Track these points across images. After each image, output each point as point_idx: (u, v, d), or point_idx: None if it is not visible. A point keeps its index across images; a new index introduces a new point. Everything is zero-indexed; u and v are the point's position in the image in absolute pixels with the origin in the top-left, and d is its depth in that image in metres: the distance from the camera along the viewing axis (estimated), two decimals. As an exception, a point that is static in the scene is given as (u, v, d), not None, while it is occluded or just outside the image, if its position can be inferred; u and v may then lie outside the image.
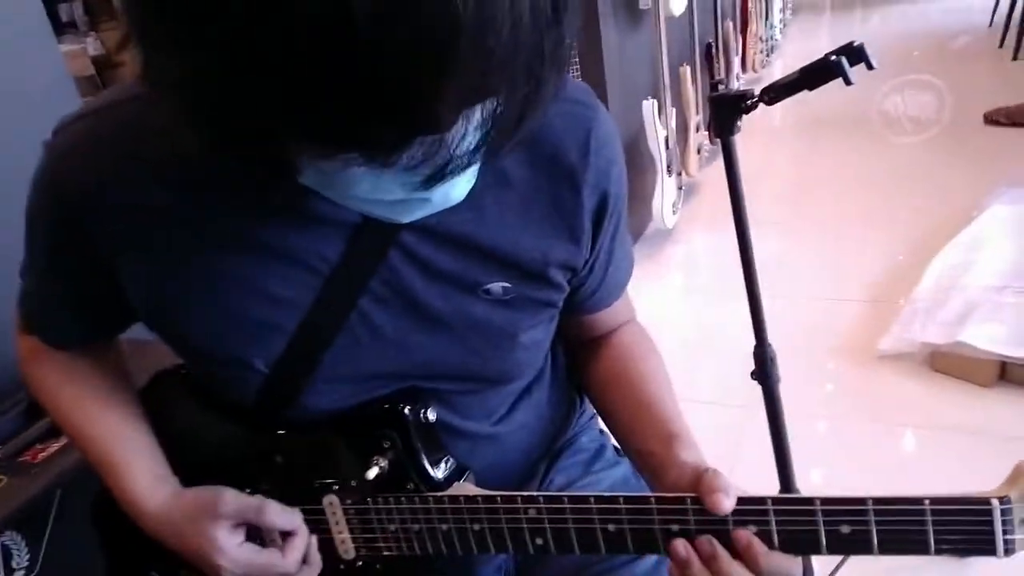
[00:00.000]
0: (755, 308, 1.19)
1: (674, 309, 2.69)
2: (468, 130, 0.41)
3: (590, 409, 0.92)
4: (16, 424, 1.14)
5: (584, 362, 0.84)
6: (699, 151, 3.26)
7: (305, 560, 0.69)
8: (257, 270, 0.60)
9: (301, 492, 0.69)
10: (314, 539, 0.70)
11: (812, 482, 1.72)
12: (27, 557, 0.94)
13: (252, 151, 0.44)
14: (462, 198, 0.52)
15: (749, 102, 1.03)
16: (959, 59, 4.96)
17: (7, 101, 1.28)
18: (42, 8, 1.37)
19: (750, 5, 4.40)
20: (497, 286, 0.65)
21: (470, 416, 0.73)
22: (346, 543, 0.70)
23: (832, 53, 0.96)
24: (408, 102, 0.36)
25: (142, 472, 0.70)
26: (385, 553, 0.69)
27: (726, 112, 1.06)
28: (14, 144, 1.25)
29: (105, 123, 0.59)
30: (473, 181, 0.52)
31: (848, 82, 0.94)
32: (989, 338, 1.92)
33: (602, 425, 0.90)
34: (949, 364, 1.99)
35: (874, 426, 1.92)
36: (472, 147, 0.42)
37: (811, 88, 0.98)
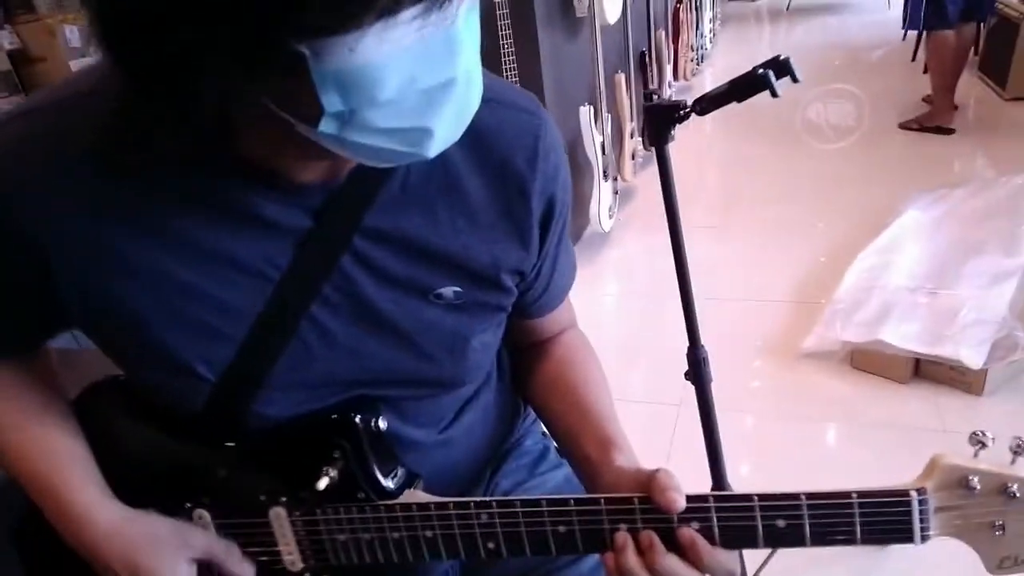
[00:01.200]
0: (688, 311, 1.23)
1: (611, 311, 2.75)
2: None
3: (533, 412, 0.93)
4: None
5: (525, 368, 0.85)
6: (633, 156, 3.34)
7: None
8: (204, 276, 0.60)
9: (245, 506, 0.69)
10: None
11: (741, 475, 1.79)
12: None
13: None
14: (475, 106, 0.51)
15: (682, 112, 1.07)
16: (876, 70, 5.23)
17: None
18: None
19: (682, 15, 4.53)
20: (449, 290, 0.66)
21: (420, 423, 0.73)
22: (293, 555, 0.70)
23: (760, 67, 1.01)
24: None
25: (86, 487, 0.68)
26: (333, 563, 0.69)
27: (660, 122, 1.10)
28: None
29: (41, 123, 0.57)
30: (481, 89, 0.51)
31: (774, 94, 0.99)
32: (904, 336, 2.03)
33: (544, 428, 0.92)
34: (868, 361, 2.11)
35: (798, 421, 2.01)
36: None
37: (740, 100, 1.02)
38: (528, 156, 0.66)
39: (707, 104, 1.04)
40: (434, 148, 0.50)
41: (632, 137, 3.28)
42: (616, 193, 3.12)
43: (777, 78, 1.01)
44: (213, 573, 0.69)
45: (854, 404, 2.03)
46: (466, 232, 0.65)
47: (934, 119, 3.82)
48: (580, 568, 0.80)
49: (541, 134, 0.67)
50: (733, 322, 2.44)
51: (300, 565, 0.70)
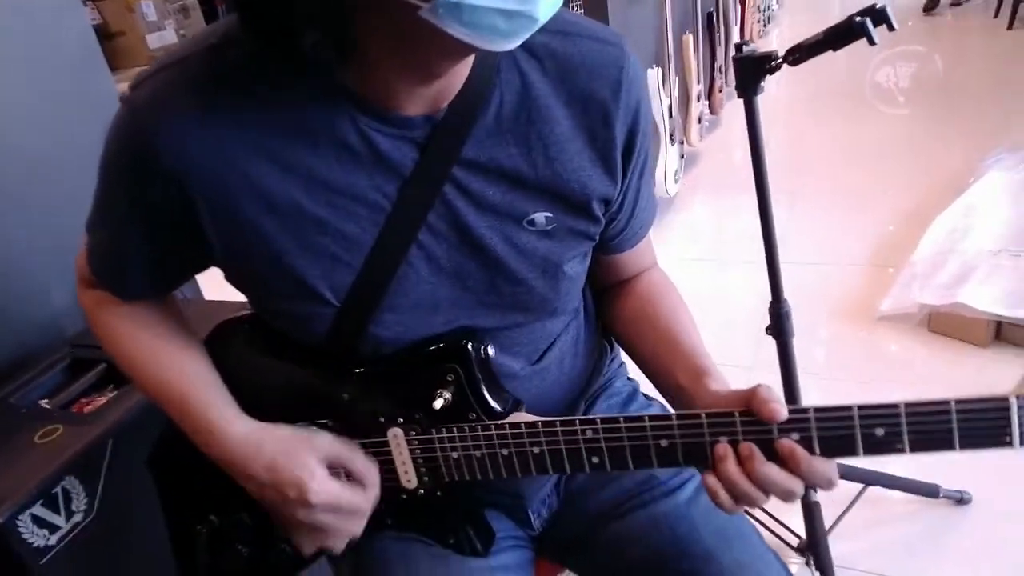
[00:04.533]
0: (772, 265, 1.24)
1: (677, 275, 2.72)
2: None
3: (620, 356, 0.96)
4: (62, 379, 1.18)
5: (610, 304, 0.88)
6: (700, 120, 3.29)
7: None
8: (330, 209, 0.65)
9: (366, 426, 0.74)
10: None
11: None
12: (85, 501, 0.98)
13: None
14: None
15: (773, 63, 1.07)
16: (954, 29, 4.99)
17: (41, 60, 1.30)
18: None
19: (749, -25, 4.40)
20: (541, 216, 0.70)
21: (516, 353, 0.77)
22: (409, 473, 0.75)
23: (856, 14, 1.00)
24: None
25: (223, 405, 0.74)
26: (446, 480, 0.74)
27: (750, 73, 1.09)
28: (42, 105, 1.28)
29: (181, 73, 0.62)
30: None
31: (872, 42, 0.98)
32: (986, 299, 1.98)
33: (631, 371, 0.95)
34: (946, 325, 2.06)
35: (875, 384, 1.99)
36: None
37: (835, 49, 1.01)
38: (612, 86, 0.69)
39: (801, 54, 1.04)
40: (542, 2, 0.52)
41: (699, 100, 3.23)
42: (682, 157, 3.09)
43: (874, 26, 1.00)
44: (340, 475, 0.73)
45: (932, 368, 1.99)
46: (556, 161, 0.69)
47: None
48: (676, 499, 0.83)
49: (624, 65, 0.70)
50: (806, 286, 2.40)
51: (416, 482, 0.75)
